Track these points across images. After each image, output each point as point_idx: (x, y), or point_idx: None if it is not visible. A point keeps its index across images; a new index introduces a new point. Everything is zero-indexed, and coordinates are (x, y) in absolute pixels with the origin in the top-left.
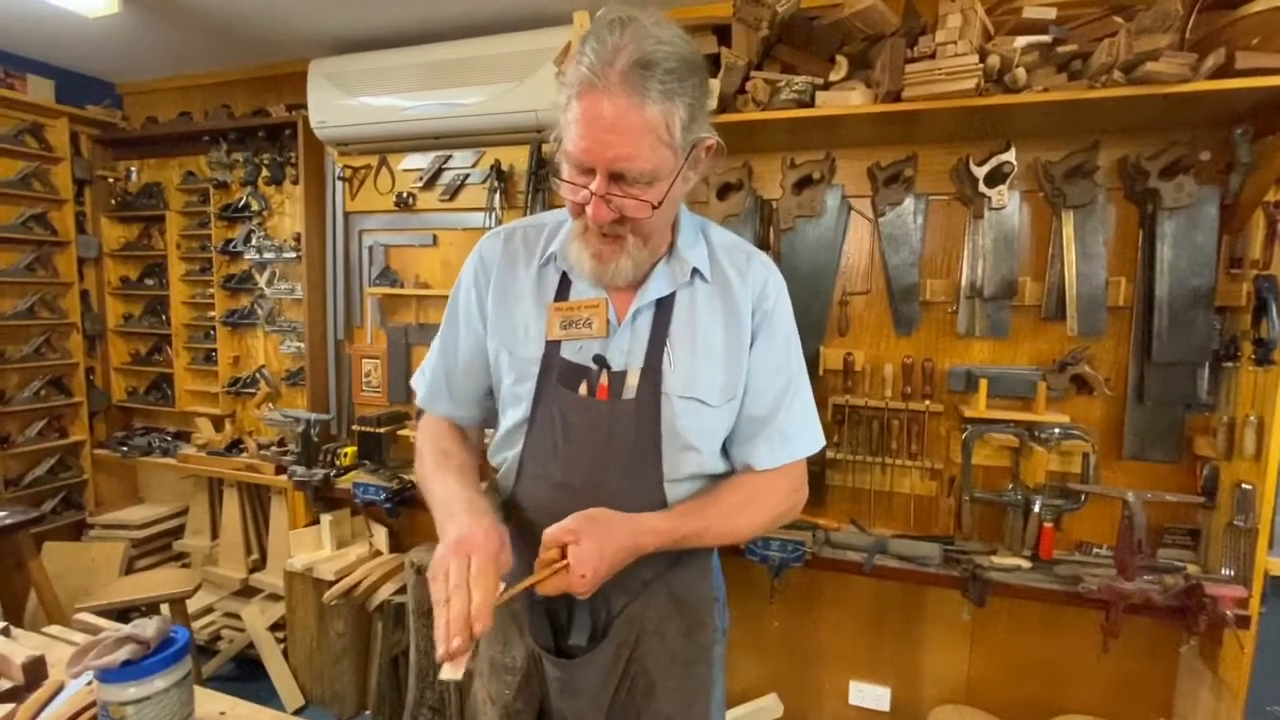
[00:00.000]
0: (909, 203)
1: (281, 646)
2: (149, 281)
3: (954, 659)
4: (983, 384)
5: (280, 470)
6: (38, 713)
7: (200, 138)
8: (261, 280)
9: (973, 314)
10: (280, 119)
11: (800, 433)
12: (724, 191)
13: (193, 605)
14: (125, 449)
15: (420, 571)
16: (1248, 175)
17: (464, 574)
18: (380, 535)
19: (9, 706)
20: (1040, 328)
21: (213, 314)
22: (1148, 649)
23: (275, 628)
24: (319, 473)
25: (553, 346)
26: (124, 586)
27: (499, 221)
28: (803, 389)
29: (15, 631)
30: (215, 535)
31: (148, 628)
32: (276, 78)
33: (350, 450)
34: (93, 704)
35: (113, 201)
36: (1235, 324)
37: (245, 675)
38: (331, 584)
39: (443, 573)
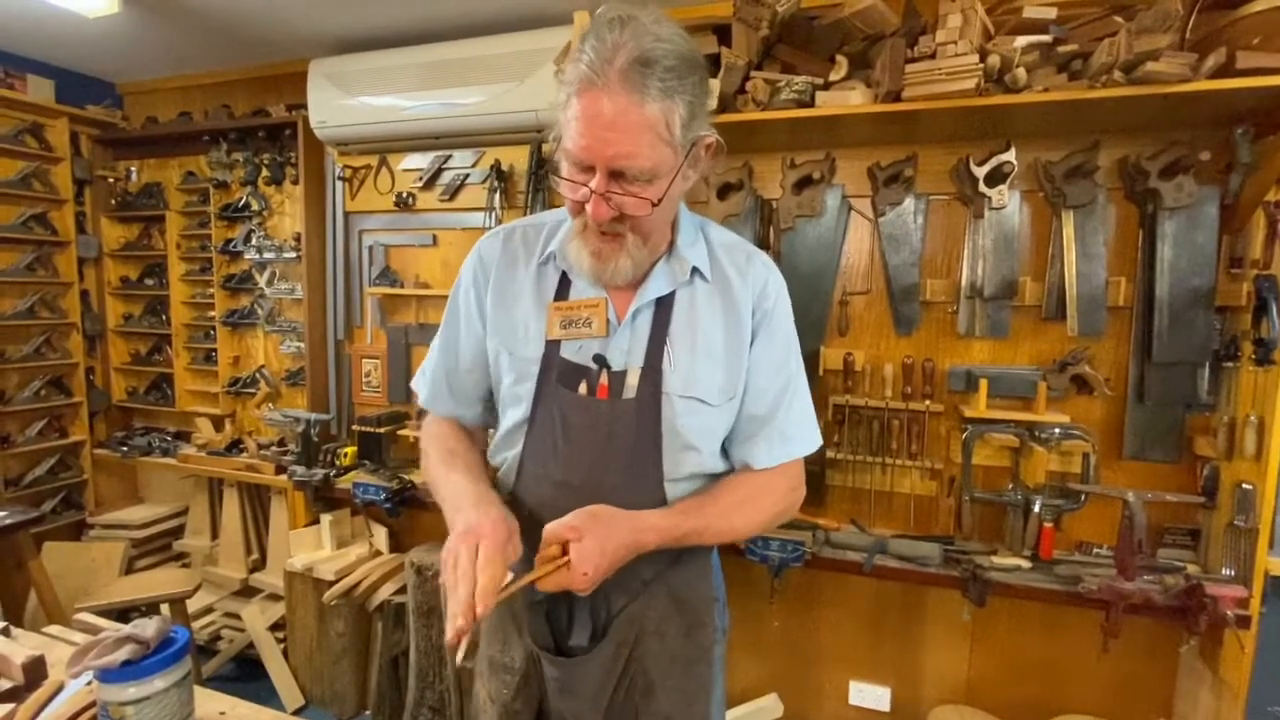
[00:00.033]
0: (909, 203)
1: (281, 646)
2: (149, 281)
3: (954, 659)
4: (983, 384)
5: (280, 470)
6: (38, 713)
7: (200, 138)
8: (261, 280)
9: (973, 314)
10: (280, 119)
11: (799, 432)
12: (724, 191)
13: (193, 605)
14: (125, 449)
15: (420, 572)
16: (1248, 175)
17: (471, 560)
18: (380, 535)
19: (9, 706)
20: (1040, 328)
21: (213, 314)
22: (1148, 649)
23: (275, 628)
24: (319, 473)
25: (552, 346)
26: (124, 586)
27: (499, 221)
28: (801, 389)
29: (15, 631)
30: (215, 535)
31: (148, 628)
32: (276, 78)
33: (350, 450)
34: (92, 704)
35: (113, 201)
36: (1235, 324)
37: (245, 675)
38: (331, 584)
39: (452, 560)
